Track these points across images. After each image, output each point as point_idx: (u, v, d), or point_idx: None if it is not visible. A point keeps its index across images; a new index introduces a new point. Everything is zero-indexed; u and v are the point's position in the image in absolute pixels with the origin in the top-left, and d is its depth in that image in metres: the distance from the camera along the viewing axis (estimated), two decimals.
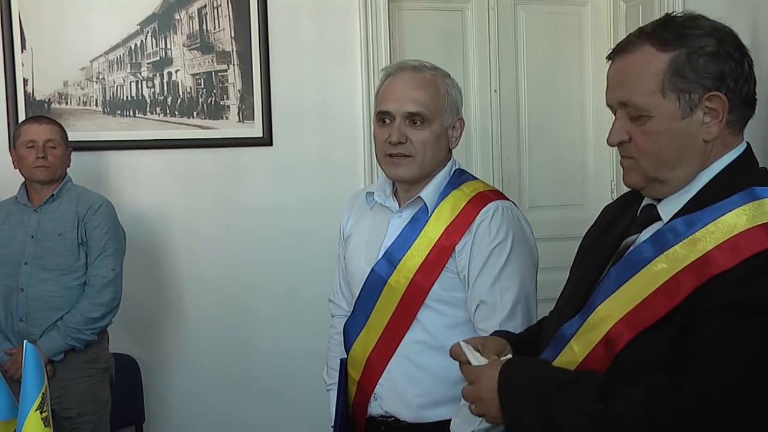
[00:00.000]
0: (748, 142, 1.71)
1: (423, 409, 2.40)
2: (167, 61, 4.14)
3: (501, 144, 4.60)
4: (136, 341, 4.13)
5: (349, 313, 2.56)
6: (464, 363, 1.78)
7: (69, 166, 3.66)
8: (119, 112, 4.12)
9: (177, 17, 4.13)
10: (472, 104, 4.54)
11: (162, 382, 4.20)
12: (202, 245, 4.21)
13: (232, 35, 4.16)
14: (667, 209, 1.67)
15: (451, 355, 1.82)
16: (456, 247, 2.35)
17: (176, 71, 4.15)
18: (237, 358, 4.25)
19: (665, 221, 1.66)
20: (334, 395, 2.59)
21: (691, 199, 1.64)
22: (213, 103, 4.17)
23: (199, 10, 4.14)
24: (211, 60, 4.16)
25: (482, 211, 2.35)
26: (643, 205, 1.75)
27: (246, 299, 4.26)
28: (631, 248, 1.68)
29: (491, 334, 1.98)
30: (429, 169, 2.42)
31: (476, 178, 2.51)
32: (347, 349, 2.53)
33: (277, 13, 4.19)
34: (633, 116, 1.65)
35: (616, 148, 1.72)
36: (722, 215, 1.54)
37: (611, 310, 1.61)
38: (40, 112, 3.91)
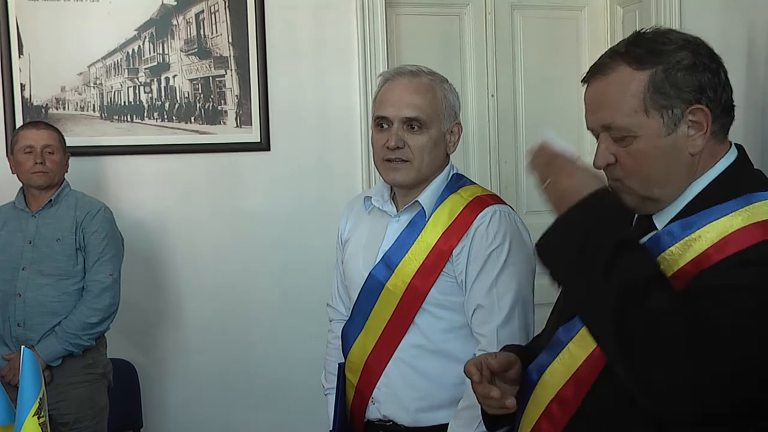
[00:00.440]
0: (740, 146, 1.71)
1: (421, 412, 2.40)
2: (165, 66, 4.14)
3: (498, 148, 4.61)
4: (134, 347, 4.13)
5: (347, 318, 2.57)
6: (476, 383, 1.77)
7: (67, 172, 3.66)
8: (117, 117, 4.12)
9: (174, 22, 4.13)
10: (470, 109, 4.54)
11: (160, 387, 4.19)
12: (200, 250, 4.21)
13: (230, 40, 4.17)
14: (662, 218, 1.66)
15: (465, 373, 1.80)
16: (453, 251, 2.35)
17: (174, 76, 4.15)
18: (235, 363, 4.25)
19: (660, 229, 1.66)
20: (332, 400, 2.60)
21: (685, 206, 1.63)
22: (210, 108, 4.17)
23: (197, 16, 4.14)
24: (209, 65, 4.17)
25: (480, 215, 2.36)
26: (637, 216, 1.74)
27: (244, 304, 4.26)
28: None
29: (501, 349, 1.96)
30: (427, 173, 2.42)
31: (474, 183, 2.52)
32: (345, 354, 2.54)
33: (275, 19, 4.19)
34: (617, 138, 1.64)
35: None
36: (718, 218, 1.54)
37: None
38: (38, 118, 3.90)
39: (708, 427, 1.48)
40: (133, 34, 4.10)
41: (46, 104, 4.04)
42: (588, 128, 1.73)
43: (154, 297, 4.20)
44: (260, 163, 4.22)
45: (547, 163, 1.66)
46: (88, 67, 4.08)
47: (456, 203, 2.40)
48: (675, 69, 1.60)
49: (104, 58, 4.08)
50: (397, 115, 2.39)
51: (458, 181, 2.48)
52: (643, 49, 1.63)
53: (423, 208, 2.43)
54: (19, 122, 3.92)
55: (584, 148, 4.65)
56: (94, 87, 4.09)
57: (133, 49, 4.11)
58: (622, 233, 1.55)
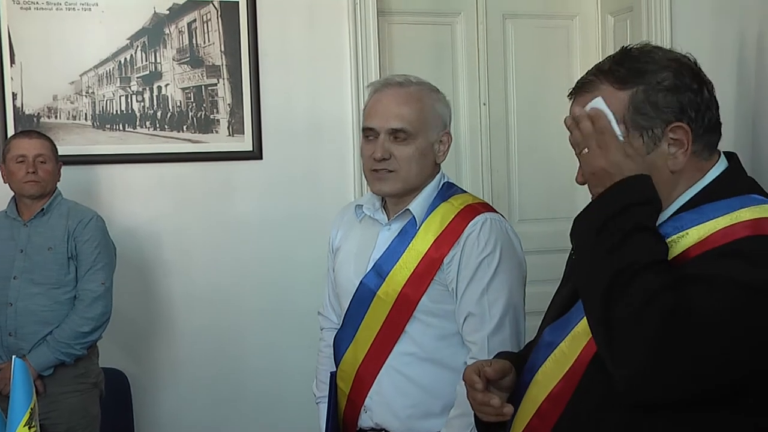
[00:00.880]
0: (733, 154, 1.72)
1: (413, 420, 2.41)
2: (157, 75, 4.14)
3: (490, 157, 4.62)
4: (126, 356, 4.12)
5: (339, 326, 2.57)
6: (477, 390, 1.77)
7: (59, 181, 3.65)
8: (109, 126, 4.12)
9: (167, 31, 4.13)
10: (462, 118, 4.55)
11: (152, 396, 4.18)
12: (192, 259, 4.21)
13: (222, 49, 4.17)
14: None
15: (466, 381, 1.81)
16: (444, 259, 2.36)
17: (166, 85, 4.15)
18: (227, 372, 4.24)
19: None
20: (323, 408, 2.60)
21: (677, 210, 1.64)
22: (203, 117, 4.18)
23: (189, 25, 4.14)
24: (201, 74, 4.17)
25: (471, 223, 2.37)
26: None
27: (236, 313, 4.25)
28: None
29: (495, 356, 1.97)
30: (414, 183, 2.44)
31: (465, 191, 2.53)
32: (337, 362, 2.54)
33: (267, 28, 4.20)
34: None
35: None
36: (709, 219, 1.56)
37: None
38: (30, 127, 3.90)
39: (688, 412, 1.51)
40: (125, 42, 4.10)
41: (38, 113, 4.04)
42: (571, 143, 1.73)
43: (146, 306, 4.19)
44: (252, 171, 4.23)
45: (588, 132, 1.63)
46: (80, 75, 4.08)
47: (447, 211, 2.41)
48: (655, 90, 1.61)
49: (96, 66, 4.08)
50: (383, 127, 2.40)
51: (449, 190, 2.49)
52: (626, 68, 1.64)
53: (414, 216, 2.43)
54: (11, 131, 3.92)
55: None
56: (86, 96, 4.09)
57: (126, 58, 4.11)
58: (643, 219, 1.56)
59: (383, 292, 2.41)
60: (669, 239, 1.57)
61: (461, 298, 2.35)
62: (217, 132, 4.19)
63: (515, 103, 4.66)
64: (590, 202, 1.63)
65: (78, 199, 3.73)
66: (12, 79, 3.99)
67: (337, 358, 2.53)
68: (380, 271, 2.43)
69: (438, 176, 2.50)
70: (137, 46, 4.11)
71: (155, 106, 4.15)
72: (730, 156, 1.72)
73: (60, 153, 3.68)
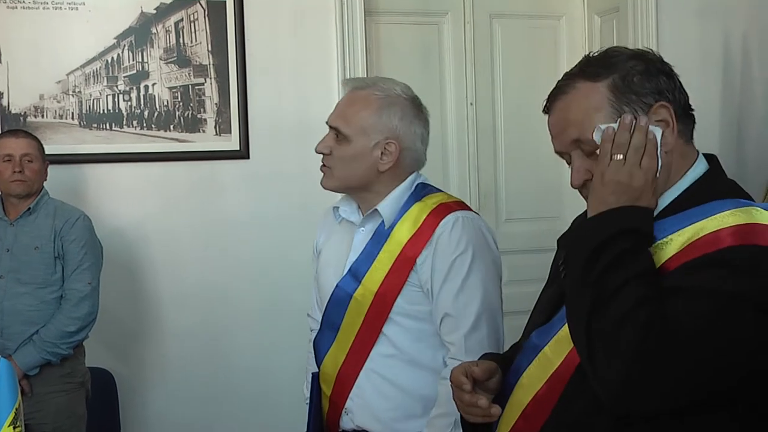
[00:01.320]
0: (713, 156, 1.74)
1: (394, 422, 2.40)
2: (144, 74, 4.14)
3: (477, 157, 4.63)
4: (112, 355, 4.11)
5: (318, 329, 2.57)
6: (464, 392, 1.77)
7: (46, 180, 3.64)
8: (96, 125, 4.11)
9: (154, 31, 4.13)
10: (449, 117, 4.57)
11: (139, 397, 4.18)
12: (179, 258, 4.20)
13: (209, 49, 4.17)
14: None
15: (453, 382, 1.80)
16: (417, 260, 2.35)
17: (153, 85, 4.15)
18: (215, 372, 4.24)
19: None
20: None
21: (659, 214, 1.64)
22: (190, 116, 4.17)
23: (176, 24, 4.14)
24: (188, 73, 4.17)
25: (442, 222, 2.36)
26: None
27: (224, 312, 4.25)
28: None
29: (480, 358, 1.96)
30: (353, 183, 2.44)
31: (440, 191, 2.51)
32: (318, 365, 2.53)
33: (254, 27, 4.20)
34: (588, 152, 1.65)
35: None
36: (690, 224, 1.56)
37: None
38: (16, 126, 3.89)
39: (675, 418, 1.51)
40: (112, 42, 4.09)
41: (25, 112, 4.02)
42: (557, 153, 1.73)
43: (133, 305, 4.18)
44: (239, 171, 4.23)
45: (638, 145, 1.58)
46: (67, 75, 4.07)
47: (421, 211, 2.40)
48: (630, 74, 1.63)
49: (83, 66, 4.08)
50: (330, 123, 2.44)
51: (423, 190, 2.47)
52: (595, 65, 1.67)
53: (383, 218, 2.43)
54: None
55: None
56: (73, 95, 4.08)
57: (113, 57, 4.10)
58: (636, 245, 1.54)
59: (360, 294, 2.40)
60: (654, 245, 1.57)
61: (436, 299, 2.34)
62: (204, 131, 4.18)
63: (502, 103, 4.67)
64: (592, 218, 1.59)
65: (65, 199, 3.72)
66: None
67: (318, 360, 2.53)
68: (356, 273, 2.42)
69: (411, 177, 2.47)
70: (124, 46, 4.11)
71: (142, 106, 4.14)
72: (710, 158, 1.73)
73: (47, 152, 3.67)
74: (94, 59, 4.09)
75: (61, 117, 4.08)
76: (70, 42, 4.06)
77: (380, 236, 2.42)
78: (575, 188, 1.71)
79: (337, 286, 2.45)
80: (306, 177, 4.21)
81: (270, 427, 4.22)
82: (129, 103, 4.13)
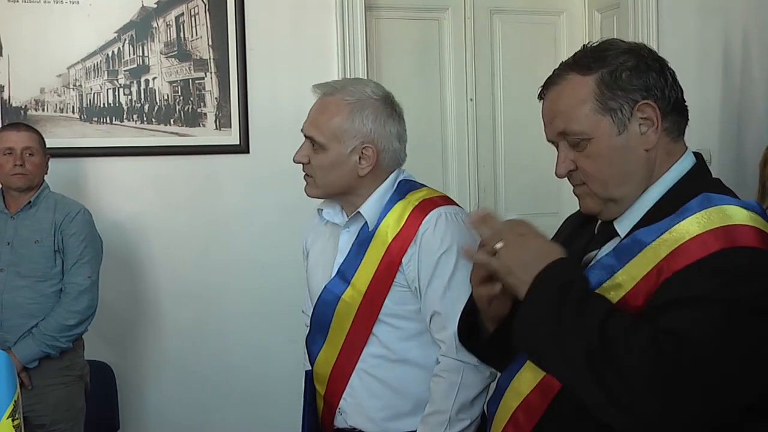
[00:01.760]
0: (698, 154, 1.75)
1: (387, 422, 2.40)
2: (144, 68, 4.14)
3: (477, 152, 4.64)
4: (111, 349, 4.12)
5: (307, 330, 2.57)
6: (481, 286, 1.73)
7: (46, 173, 3.65)
8: (96, 119, 4.12)
9: (154, 25, 4.13)
10: (449, 113, 4.57)
11: (137, 390, 4.19)
12: (179, 252, 4.21)
13: (210, 43, 4.17)
14: (623, 225, 1.69)
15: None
16: (403, 260, 2.33)
17: (153, 79, 4.15)
18: (213, 365, 4.25)
19: (622, 236, 1.68)
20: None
21: (646, 213, 1.67)
22: (190, 110, 4.18)
23: (177, 18, 4.14)
24: (189, 68, 4.17)
25: (425, 219, 2.33)
26: (600, 222, 1.77)
27: (223, 306, 4.26)
28: (593, 262, 1.70)
29: None
30: (336, 189, 2.42)
31: (424, 186, 2.47)
32: (311, 364, 2.53)
33: (255, 22, 4.20)
34: (573, 143, 1.68)
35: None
36: (677, 223, 1.57)
37: None
38: (17, 119, 3.90)
39: None
40: (112, 36, 4.10)
41: (26, 106, 4.03)
42: (548, 140, 1.76)
43: (133, 299, 4.19)
44: (239, 165, 4.23)
45: (497, 229, 1.63)
46: (68, 68, 4.08)
47: (404, 209, 2.37)
48: (619, 70, 1.65)
49: (84, 60, 4.08)
50: (305, 133, 2.42)
51: (406, 186, 2.44)
52: (588, 57, 1.69)
53: (366, 220, 2.41)
54: None
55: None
56: (73, 89, 4.09)
57: (113, 51, 4.11)
58: (583, 288, 1.56)
59: (348, 295, 2.39)
60: (643, 250, 1.58)
61: (424, 298, 2.33)
62: (204, 126, 4.19)
63: (502, 99, 4.68)
64: (528, 295, 1.57)
65: (65, 192, 3.72)
66: None
67: (311, 360, 2.52)
68: (344, 275, 2.41)
69: (392, 176, 2.44)
70: (125, 40, 4.11)
71: (142, 100, 4.15)
72: (697, 156, 1.75)
73: (47, 146, 3.67)
74: (94, 53, 4.09)
75: (61, 111, 4.08)
76: (71, 36, 4.06)
77: (365, 237, 2.40)
78: (560, 177, 1.74)
79: (325, 287, 2.44)
80: None
81: (267, 421, 4.23)
82: (129, 97, 4.14)
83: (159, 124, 4.16)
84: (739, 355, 1.44)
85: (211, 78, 4.18)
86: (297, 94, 4.23)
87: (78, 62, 4.08)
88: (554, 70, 1.75)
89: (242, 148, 4.21)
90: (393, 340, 2.38)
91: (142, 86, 4.15)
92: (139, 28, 4.12)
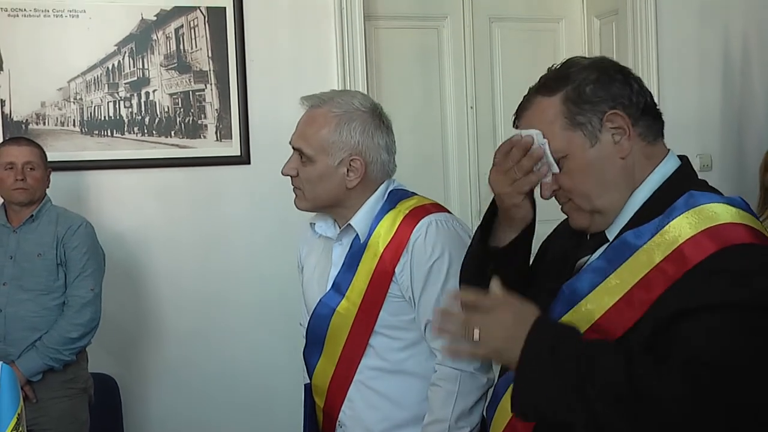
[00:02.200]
0: (683, 156, 1.77)
1: None
2: (144, 81, 4.15)
3: (478, 160, 4.64)
4: (115, 361, 4.12)
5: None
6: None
7: (48, 187, 3.66)
8: (97, 132, 4.13)
9: (154, 37, 4.14)
10: (449, 121, 4.58)
11: (141, 401, 4.19)
12: (181, 264, 4.21)
13: (209, 55, 4.18)
14: (612, 230, 1.72)
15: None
16: (396, 270, 2.32)
17: (154, 91, 4.16)
18: (216, 376, 4.25)
19: (611, 240, 1.70)
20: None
21: (633, 215, 1.68)
22: (190, 122, 4.19)
23: (176, 30, 4.15)
24: (189, 79, 4.18)
25: (416, 228, 2.32)
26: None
27: (225, 317, 4.26)
28: (585, 266, 1.72)
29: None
30: (325, 202, 2.41)
31: (415, 194, 2.46)
32: (309, 377, 2.52)
33: (254, 33, 4.21)
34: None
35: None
36: (668, 223, 1.59)
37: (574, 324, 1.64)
38: (18, 133, 3.91)
39: None
40: (113, 49, 4.11)
41: (26, 119, 4.04)
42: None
43: (135, 311, 4.20)
44: (240, 176, 4.24)
45: (465, 320, 1.62)
46: (68, 82, 4.08)
47: (394, 219, 2.36)
48: (583, 85, 1.68)
49: (84, 73, 4.09)
50: (293, 145, 2.41)
51: (396, 196, 2.43)
52: (552, 79, 1.73)
53: (357, 233, 2.40)
54: None
55: None
56: (74, 102, 4.09)
57: (113, 64, 4.12)
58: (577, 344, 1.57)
59: (343, 308, 2.38)
60: (635, 252, 1.60)
61: (418, 307, 2.32)
62: (204, 137, 4.20)
63: (502, 107, 4.68)
64: (519, 371, 1.58)
65: (67, 205, 3.73)
66: (0, 85, 3.99)
67: (309, 372, 2.52)
68: (339, 288, 2.40)
69: (382, 187, 2.43)
70: (125, 52, 4.12)
71: (143, 112, 4.16)
72: (682, 158, 1.76)
73: (48, 159, 3.68)
74: (95, 66, 4.10)
75: (62, 124, 4.09)
76: (71, 49, 4.07)
77: (357, 249, 2.39)
78: (545, 199, 1.78)
79: (320, 301, 2.43)
80: None
81: (271, 428, 4.22)
82: (130, 109, 4.15)
83: (160, 136, 4.17)
84: (760, 356, 1.46)
85: (212, 89, 4.19)
86: (297, 105, 4.22)
87: (78, 75, 4.09)
88: (524, 96, 1.79)
89: (243, 159, 4.22)
90: (390, 350, 2.37)
91: (143, 99, 4.16)
92: (139, 41, 4.13)
